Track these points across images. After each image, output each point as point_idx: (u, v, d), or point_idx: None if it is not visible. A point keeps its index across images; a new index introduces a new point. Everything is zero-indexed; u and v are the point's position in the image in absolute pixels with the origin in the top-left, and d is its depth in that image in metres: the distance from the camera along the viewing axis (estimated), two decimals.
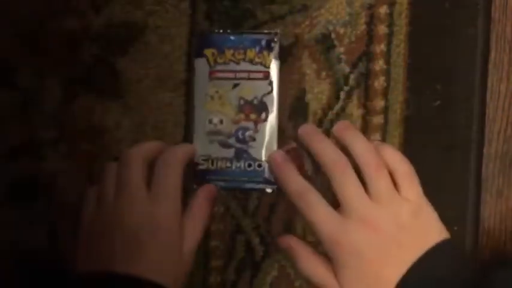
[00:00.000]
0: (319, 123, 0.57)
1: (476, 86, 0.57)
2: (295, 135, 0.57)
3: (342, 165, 0.51)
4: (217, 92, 0.55)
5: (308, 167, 0.57)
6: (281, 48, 0.55)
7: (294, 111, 0.57)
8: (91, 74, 0.57)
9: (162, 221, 0.49)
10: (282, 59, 0.56)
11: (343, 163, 0.51)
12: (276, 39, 0.55)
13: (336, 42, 0.57)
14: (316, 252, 0.54)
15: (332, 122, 0.57)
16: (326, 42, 0.57)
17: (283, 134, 0.57)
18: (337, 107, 0.57)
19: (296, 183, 0.54)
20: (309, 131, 0.55)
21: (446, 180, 0.57)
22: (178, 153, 0.53)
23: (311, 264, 0.52)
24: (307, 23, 0.57)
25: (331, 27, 0.57)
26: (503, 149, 0.57)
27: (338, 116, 0.57)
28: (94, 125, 0.57)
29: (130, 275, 0.47)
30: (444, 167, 0.57)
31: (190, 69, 0.57)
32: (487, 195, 0.57)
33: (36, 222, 0.58)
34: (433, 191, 0.54)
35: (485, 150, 0.57)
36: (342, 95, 0.57)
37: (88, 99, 0.57)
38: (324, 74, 0.57)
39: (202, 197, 0.53)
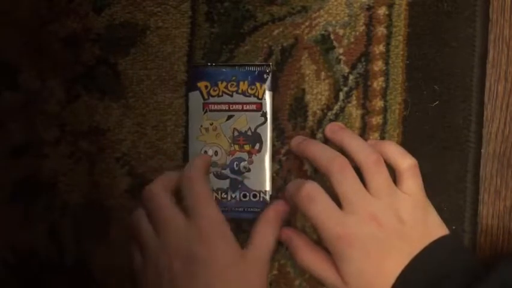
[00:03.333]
0: (319, 124, 0.57)
1: (474, 87, 0.57)
2: (294, 136, 0.57)
3: (339, 163, 0.51)
4: (211, 124, 0.56)
5: (308, 167, 0.57)
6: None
7: (294, 111, 0.57)
8: (92, 75, 0.57)
9: (208, 232, 0.49)
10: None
11: (340, 161, 0.51)
12: (268, 71, 0.56)
13: (335, 43, 0.57)
14: (316, 245, 0.54)
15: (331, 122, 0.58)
16: (325, 43, 0.57)
17: (283, 134, 0.57)
18: (336, 108, 0.57)
19: (296, 180, 0.54)
20: (299, 140, 0.56)
21: (445, 180, 0.57)
22: (196, 164, 0.52)
23: (312, 256, 0.53)
24: (306, 24, 0.57)
25: (330, 29, 0.57)
26: (501, 149, 0.57)
27: (337, 116, 0.57)
28: (95, 125, 0.57)
29: None
30: (442, 167, 0.57)
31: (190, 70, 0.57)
32: (485, 195, 0.57)
33: (36, 222, 0.57)
34: (431, 190, 0.54)
35: (483, 150, 0.57)
36: (341, 95, 0.57)
37: (89, 100, 0.57)
38: (323, 74, 0.57)
39: (274, 210, 0.54)
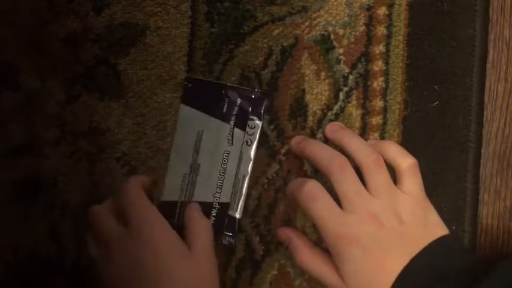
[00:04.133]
0: (319, 124, 0.57)
1: (474, 87, 0.57)
2: (294, 136, 0.57)
3: (339, 163, 0.51)
4: None
5: (308, 167, 0.57)
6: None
7: (294, 111, 0.57)
8: (92, 75, 0.57)
9: (151, 236, 0.50)
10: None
11: (340, 160, 0.51)
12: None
13: (335, 43, 0.57)
14: (316, 245, 0.54)
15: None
16: (325, 43, 0.57)
17: (283, 134, 0.57)
18: (336, 108, 0.57)
19: (298, 178, 0.54)
20: (299, 140, 0.56)
21: (445, 180, 0.57)
22: (132, 181, 0.54)
23: (311, 257, 0.53)
24: (306, 24, 0.57)
25: (330, 29, 0.57)
26: (501, 149, 0.57)
27: (337, 116, 0.57)
28: (95, 125, 0.57)
29: None
30: (442, 167, 0.57)
31: (190, 70, 0.57)
32: (485, 195, 0.57)
33: (36, 222, 0.57)
34: (431, 190, 0.54)
35: (483, 150, 0.57)
36: (341, 95, 0.57)
37: (89, 100, 0.57)
38: (323, 74, 0.57)
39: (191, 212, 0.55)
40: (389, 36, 0.57)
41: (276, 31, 0.57)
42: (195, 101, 0.57)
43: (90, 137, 0.58)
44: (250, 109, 0.56)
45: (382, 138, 0.57)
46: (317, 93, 0.57)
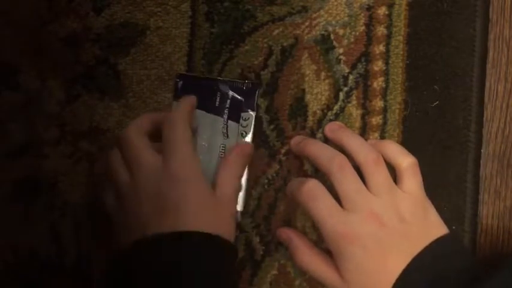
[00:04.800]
0: (319, 124, 0.57)
1: (475, 87, 0.57)
2: (294, 136, 0.57)
3: (339, 162, 0.51)
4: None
5: (308, 167, 0.57)
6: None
7: (294, 111, 0.57)
8: (92, 75, 0.57)
9: (177, 173, 0.49)
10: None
11: (340, 160, 0.51)
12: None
13: (335, 43, 0.57)
14: (316, 246, 0.54)
15: None
16: (325, 43, 0.57)
17: (283, 134, 0.57)
18: (336, 108, 0.57)
19: (298, 178, 0.54)
20: (298, 139, 0.56)
21: (445, 180, 0.57)
22: (179, 106, 0.53)
23: (311, 257, 0.53)
24: (306, 24, 0.57)
25: (330, 29, 0.57)
26: (501, 149, 0.57)
27: (337, 116, 0.57)
28: (95, 125, 0.57)
29: (175, 231, 0.47)
30: (442, 167, 0.57)
31: (190, 70, 0.57)
32: (485, 195, 0.57)
33: (36, 222, 0.58)
34: (431, 190, 0.54)
35: (483, 150, 0.57)
36: (341, 95, 0.57)
37: (89, 100, 0.57)
38: (323, 74, 0.57)
39: (235, 153, 0.54)
40: (389, 36, 0.57)
41: (276, 31, 0.57)
42: None
43: (90, 137, 0.58)
44: (243, 100, 0.56)
45: (382, 138, 0.57)
46: (317, 93, 0.57)
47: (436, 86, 0.57)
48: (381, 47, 0.57)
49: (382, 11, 0.57)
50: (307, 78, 0.57)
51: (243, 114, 0.56)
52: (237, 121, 0.56)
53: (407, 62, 0.57)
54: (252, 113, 0.56)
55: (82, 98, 0.57)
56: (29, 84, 0.57)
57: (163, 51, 0.58)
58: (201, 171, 0.50)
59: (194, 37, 0.58)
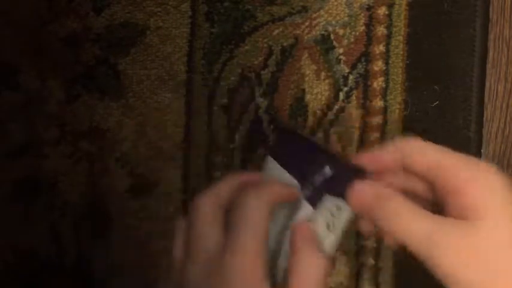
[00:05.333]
0: (319, 124, 0.57)
1: (475, 87, 0.57)
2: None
3: None
4: None
5: None
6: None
7: (294, 111, 0.57)
8: (92, 75, 0.57)
9: (235, 278, 0.38)
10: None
11: None
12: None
13: (335, 43, 0.57)
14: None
15: (331, 122, 0.58)
16: (325, 43, 0.57)
17: None
18: (336, 108, 0.57)
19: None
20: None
21: None
22: (262, 194, 0.40)
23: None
24: (306, 24, 0.57)
25: (330, 29, 0.57)
26: (501, 149, 0.57)
27: (337, 116, 0.57)
28: (95, 125, 0.58)
29: None
30: None
31: (190, 70, 0.57)
32: None
33: (36, 222, 0.58)
34: None
35: (483, 150, 0.58)
36: (341, 95, 0.57)
37: (89, 100, 0.57)
38: (323, 74, 0.57)
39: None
40: (389, 36, 0.57)
41: (276, 31, 0.57)
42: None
43: (90, 137, 0.58)
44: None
45: (382, 138, 0.57)
46: (317, 93, 0.57)
47: (436, 86, 0.57)
48: (381, 47, 0.57)
49: (382, 11, 0.57)
50: (307, 78, 0.57)
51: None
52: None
53: (407, 62, 0.57)
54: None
55: (82, 98, 0.57)
56: (29, 84, 0.57)
57: (163, 51, 0.58)
58: (263, 276, 0.38)
59: (194, 37, 0.58)
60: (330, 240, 0.41)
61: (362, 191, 0.40)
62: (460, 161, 0.38)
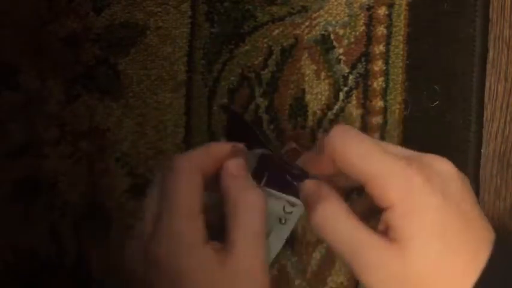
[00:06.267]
0: (319, 124, 0.57)
1: (475, 87, 0.57)
2: (294, 136, 0.57)
3: None
4: None
5: None
6: None
7: (294, 111, 0.57)
8: (92, 75, 0.57)
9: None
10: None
11: None
12: None
13: (335, 43, 0.57)
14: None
15: (331, 122, 0.58)
16: (325, 43, 0.57)
17: (283, 134, 0.57)
18: (336, 108, 0.57)
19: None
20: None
21: None
22: (194, 157, 0.39)
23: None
24: (306, 24, 0.57)
25: (330, 29, 0.57)
26: (501, 150, 0.57)
27: (337, 116, 0.57)
28: (95, 125, 0.57)
29: None
30: None
31: (190, 70, 0.57)
32: (485, 195, 0.57)
33: (36, 222, 0.58)
34: None
35: (483, 151, 0.58)
36: (341, 95, 0.57)
37: (89, 100, 0.57)
38: (323, 74, 0.57)
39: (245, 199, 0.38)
40: (389, 36, 0.57)
41: (276, 31, 0.57)
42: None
43: (90, 137, 0.58)
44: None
45: (382, 138, 0.57)
46: (317, 93, 0.57)
47: (436, 86, 0.57)
48: (381, 47, 0.57)
49: (382, 11, 0.57)
50: (307, 78, 0.57)
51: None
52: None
53: (407, 62, 0.57)
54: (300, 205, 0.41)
55: (82, 98, 0.57)
56: (29, 84, 0.57)
57: (163, 51, 0.58)
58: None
59: (194, 37, 0.58)
60: (280, 232, 0.41)
61: (306, 187, 0.39)
62: (390, 172, 0.36)
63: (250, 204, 0.37)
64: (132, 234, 0.40)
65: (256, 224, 0.37)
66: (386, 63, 0.57)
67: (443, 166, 0.39)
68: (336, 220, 0.37)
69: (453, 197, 0.37)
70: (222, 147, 0.40)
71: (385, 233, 0.36)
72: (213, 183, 0.39)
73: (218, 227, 0.38)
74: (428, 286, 0.35)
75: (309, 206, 0.38)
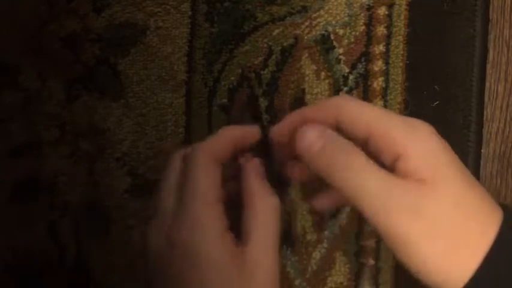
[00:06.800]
0: None
1: (475, 87, 0.57)
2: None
3: None
4: None
5: None
6: None
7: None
8: (92, 75, 0.57)
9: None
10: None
11: None
12: None
13: (335, 43, 0.57)
14: None
15: None
16: (325, 43, 0.57)
17: None
18: None
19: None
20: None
21: None
22: (200, 149, 0.40)
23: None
24: (306, 24, 0.57)
25: (330, 28, 0.57)
26: (501, 150, 0.57)
27: None
28: (95, 125, 0.57)
29: None
30: None
31: (190, 70, 0.57)
32: None
33: (36, 222, 0.58)
34: None
35: (483, 150, 0.58)
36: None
37: (89, 100, 0.57)
38: (323, 74, 0.57)
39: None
40: (389, 36, 0.57)
41: (276, 31, 0.57)
42: None
43: (90, 137, 0.58)
44: None
45: None
46: (317, 93, 0.57)
47: (436, 86, 0.57)
48: (381, 47, 0.57)
49: (382, 11, 0.57)
50: (307, 78, 0.57)
51: None
52: None
53: (407, 62, 0.57)
54: None
55: (82, 98, 0.57)
56: (29, 84, 0.57)
57: (163, 51, 0.58)
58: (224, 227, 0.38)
59: (194, 37, 0.58)
60: None
61: (310, 138, 0.38)
62: (398, 124, 0.36)
63: (269, 206, 0.39)
64: (152, 218, 0.40)
65: (273, 225, 0.39)
66: (387, 63, 0.57)
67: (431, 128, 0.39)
68: (360, 167, 0.36)
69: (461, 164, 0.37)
70: (236, 132, 0.41)
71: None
72: (230, 168, 0.41)
73: (235, 216, 0.39)
74: (457, 228, 0.35)
75: (322, 157, 0.37)
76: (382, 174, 0.35)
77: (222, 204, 0.39)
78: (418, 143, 0.36)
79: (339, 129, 0.38)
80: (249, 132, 0.42)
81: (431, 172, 0.35)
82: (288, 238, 0.57)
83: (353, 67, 0.57)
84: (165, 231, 0.38)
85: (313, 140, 0.37)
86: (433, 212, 0.35)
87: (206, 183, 0.38)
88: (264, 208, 0.39)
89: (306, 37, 0.57)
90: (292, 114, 0.41)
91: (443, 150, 0.36)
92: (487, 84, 0.57)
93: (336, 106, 0.38)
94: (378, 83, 0.57)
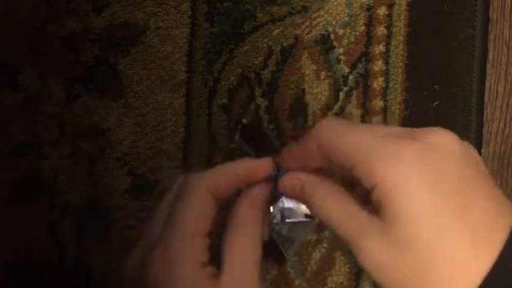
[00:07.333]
0: None
1: (475, 87, 0.57)
2: (294, 136, 0.57)
3: None
4: None
5: None
6: None
7: (294, 111, 0.57)
8: (92, 75, 0.57)
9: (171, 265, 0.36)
10: None
11: None
12: None
13: (335, 43, 0.57)
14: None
15: None
16: (325, 43, 0.57)
17: (283, 134, 0.57)
18: (336, 107, 0.57)
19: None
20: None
21: None
22: (204, 178, 0.38)
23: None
24: (306, 24, 0.57)
25: (330, 29, 0.57)
26: (501, 149, 0.57)
27: (337, 116, 0.57)
28: (95, 125, 0.57)
29: None
30: None
31: (190, 70, 0.57)
32: None
33: (36, 222, 0.58)
34: None
35: (483, 150, 0.58)
36: (341, 95, 0.57)
37: (89, 100, 0.57)
38: (323, 74, 0.57)
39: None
40: (389, 36, 0.57)
41: (276, 31, 0.57)
42: None
43: (90, 137, 0.58)
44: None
45: None
46: (317, 93, 0.57)
47: (436, 86, 0.57)
48: (381, 47, 0.57)
49: (382, 11, 0.57)
50: (307, 78, 0.57)
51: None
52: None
53: (407, 62, 0.57)
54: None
55: (82, 98, 0.57)
56: (29, 84, 0.57)
57: (163, 51, 0.58)
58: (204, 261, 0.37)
59: (194, 37, 0.58)
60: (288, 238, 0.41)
61: (288, 181, 0.38)
62: (377, 152, 0.34)
63: (249, 234, 0.37)
64: (137, 244, 0.39)
65: (251, 254, 0.37)
66: (387, 63, 0.57)
67: (441, 139, 0.34)
68: (332, 202, 0.37)
69: (450, 175, 0.33)
70: (245, 165, 0.39)
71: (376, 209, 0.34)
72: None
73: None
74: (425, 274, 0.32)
75: (305, 195, 0.38)
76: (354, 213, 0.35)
77: (207, 238, 0.37)
78: (394, 174, 0.33)
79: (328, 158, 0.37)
80: (260, 167, 0.40)
81: (400, 207, 0.33)
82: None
83: (353, 67, 0.57)
84: (142, 257, 0.37)
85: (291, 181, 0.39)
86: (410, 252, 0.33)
87: (193, 215, 0.37)
88: (242, 237, 0.37)
89: (306, 37, 0.57)
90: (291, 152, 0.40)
91: (423, 179, 0.33)
92: (487, 84, 0.57)
93: (320, 137, 0.37)
94: (377, 83, 0.57)
